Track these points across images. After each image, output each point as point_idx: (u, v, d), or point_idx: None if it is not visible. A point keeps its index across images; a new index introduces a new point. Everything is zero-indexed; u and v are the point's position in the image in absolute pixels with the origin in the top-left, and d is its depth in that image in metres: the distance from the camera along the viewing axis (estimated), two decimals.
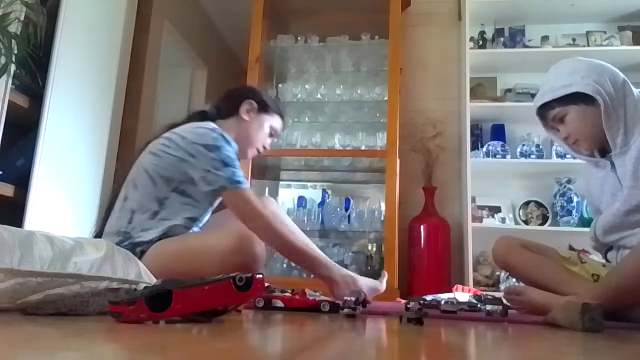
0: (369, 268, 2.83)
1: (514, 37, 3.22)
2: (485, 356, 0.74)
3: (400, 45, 2.98)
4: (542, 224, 3.01)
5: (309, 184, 3.37)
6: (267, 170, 3.25)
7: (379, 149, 2.96)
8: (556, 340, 0.95)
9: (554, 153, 2.98)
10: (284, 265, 2.81)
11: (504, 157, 3.04)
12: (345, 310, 1.26)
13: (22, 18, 2.07)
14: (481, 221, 2.97)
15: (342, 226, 2.96)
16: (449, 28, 3.43)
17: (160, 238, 1.49)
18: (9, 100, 2.14)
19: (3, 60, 1.91)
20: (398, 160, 2.82)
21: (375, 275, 1.78)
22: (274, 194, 3.27)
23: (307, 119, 3.14)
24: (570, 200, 2.94)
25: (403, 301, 1.81)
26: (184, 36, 3.88)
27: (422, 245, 2.92)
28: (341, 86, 3.09)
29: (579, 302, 1.11)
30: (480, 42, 3.20)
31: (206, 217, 1.67)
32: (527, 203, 3.08)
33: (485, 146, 3.09)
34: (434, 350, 0.78)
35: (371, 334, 0.98)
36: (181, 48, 3.92)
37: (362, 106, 3.09)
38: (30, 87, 2.29)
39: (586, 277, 1.57)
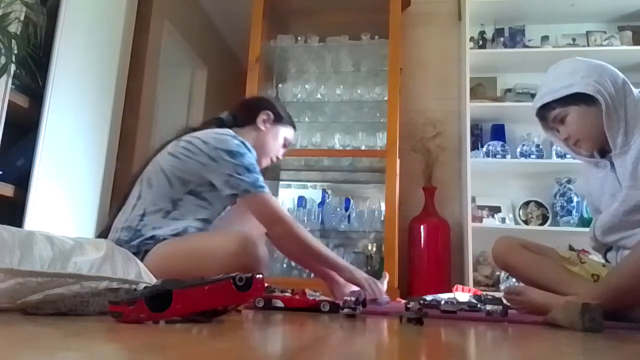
0: (369, 268, 2.82)
1: (514, 37, 3.22)
2: (485, 356, 0.74)
3: (400, 45, 2.98)
4: (542, 224, 3.01)
5: (309, 184, 3.37)
6: (267, 170, 3.21)
7: (379, 149, 2.96)
8: (556, 340, 0.95)
9: (554, 153, 2.98)
10: (284, 265, 2.81)
11: (504, 157, 3.04)
12: (345, 310, 1.27)
13: (22, 18, 2.07)
14: (481, 221, 2.97)
15: (342, 226, 2.96)
16: (449, 28, 3.43)
17: (172, 237, 1.49)
18: (9, 100, 2.14)
19: (3, 60, 1.91)
20: (398, 160, 2.83)
21: (376, 276, 1.79)
22: (274, 194, 3.26)
23: (307, 119, 3.14)
24: (570, 200, 2.94)
25: (403, 301, 1.82)
26: (184, 36, 3.88)
27: (422, 245, 2.92)
28: (341, 86, 3.09)
29: (579, 302, 1.11)
30: (480, 42, 3.20)
31: (216, 219, 1.68)
32: (527, 203, 3.08)
33: (485, 146, 3.08)
34: (434, 350, 0.78)
35: (371, 334, 0.98)
36: (181, 48, 3.92)
37: (362, 106, 3.10)
38: (30, 87, 2.29)
39: (586, 277, 1.57)
